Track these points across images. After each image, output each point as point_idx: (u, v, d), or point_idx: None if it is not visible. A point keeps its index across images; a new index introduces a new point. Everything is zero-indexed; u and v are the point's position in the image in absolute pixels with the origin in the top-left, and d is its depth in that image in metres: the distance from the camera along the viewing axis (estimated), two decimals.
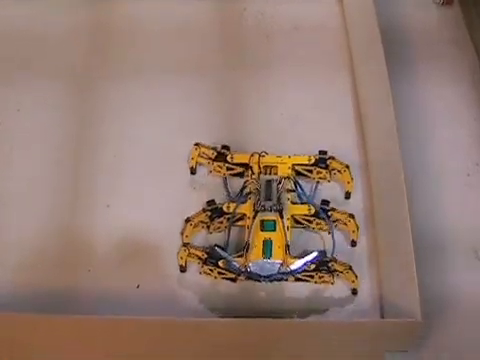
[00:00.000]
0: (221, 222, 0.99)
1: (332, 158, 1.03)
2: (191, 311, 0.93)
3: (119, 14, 1.27)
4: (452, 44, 1.24)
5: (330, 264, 0.94)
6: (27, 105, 1.15)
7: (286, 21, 1.27)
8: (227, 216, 0.99)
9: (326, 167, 1.03)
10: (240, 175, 1.04)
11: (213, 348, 0.87)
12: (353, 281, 0.94)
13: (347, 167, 1.02)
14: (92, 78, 1.19)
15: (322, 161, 1.03)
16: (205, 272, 0.96)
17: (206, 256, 0.95)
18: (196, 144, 1.05)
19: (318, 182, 1.04)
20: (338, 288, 0.95)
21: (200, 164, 1.06)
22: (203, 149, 1.05)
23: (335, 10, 1.28)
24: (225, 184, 1.04)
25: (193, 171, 1.06)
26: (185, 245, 0.96)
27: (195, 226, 0.98)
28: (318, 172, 1.04)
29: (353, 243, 0.99)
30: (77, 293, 0.95)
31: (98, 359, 0.88)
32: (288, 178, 1.01)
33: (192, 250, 0.96)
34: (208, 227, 0.99)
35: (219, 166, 1.04)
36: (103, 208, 1.04)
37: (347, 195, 1.03)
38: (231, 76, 1.19)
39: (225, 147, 1.05)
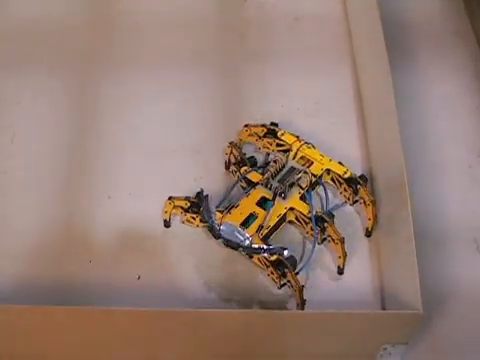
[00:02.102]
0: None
1: (364, 186, 0.99)
2: (191, 302, 0.93)
3: (119, 6, 1.26)
4: (454, 35, 1.24)
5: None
6: (27, 98, 1.14)
7: (287, 12, 1.26)
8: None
9: (355, 191, 1.00)
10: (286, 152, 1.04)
11: (214, 339, 0.87)
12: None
13: (373, 202, 0.98)
14: (92, 70, 1.18)
15: (353, 182, 1.00)
16: (187, 220, 0.98)
17: (189, 205, 0.97)
18: (246, 125, 1.07)
19: (345, 202, 1.02)
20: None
21: (248, 143, 1.07)
22: (253, 129, 1.06)
23: (336, 0, 1.28)
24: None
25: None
26: (170, 198, 0.98)
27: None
28: (345, 189, 1.01)
29: (339, 270, 0.95)
30: (78, 284, 0.95)
31: (98, 350, 0.88)
32: (311, 176, 0.99)
33: (177, 201, 0.98)
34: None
35: (269, 142, 1.05)
36: (104, 199, 1.04)
37: (367, 232, 0.99)
38: (232, 67, 1.19)
39: (274, 124, 1.06)
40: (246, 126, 1.06)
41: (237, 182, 1.01)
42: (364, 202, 0.99)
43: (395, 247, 0.95)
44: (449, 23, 1.25)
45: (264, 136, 1.05)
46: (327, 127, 1.11)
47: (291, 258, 0.92)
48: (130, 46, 1.21)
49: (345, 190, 1.01)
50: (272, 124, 1.06)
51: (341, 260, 0.95)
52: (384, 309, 0.93)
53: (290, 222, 0.99)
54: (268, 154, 1.05)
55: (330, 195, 1.02)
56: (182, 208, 0.99)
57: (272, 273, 0.93)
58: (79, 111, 1.14)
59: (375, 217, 0.98)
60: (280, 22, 1.25)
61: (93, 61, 1.19)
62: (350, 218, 1.01)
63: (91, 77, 1.17)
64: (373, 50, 1.12)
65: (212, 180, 1.04)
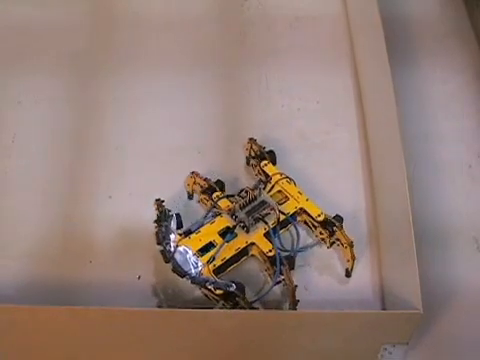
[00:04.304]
0: (206, 199, 0.99)
1: (339, 227, 0.94)
2: (191, 302, 0.93)
3: (120, 6, 1.26)
4: (454, 35, 1.24)
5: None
6: (28, 97, 1.14)
7: (287, 11, 1.26)
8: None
9: (331, 233, 0.95)
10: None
11: (214, 339, 0.87)
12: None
13: (350, 245, 0.93)
14: (93, 70, 1.18)
15: (330, 225, 0.95)
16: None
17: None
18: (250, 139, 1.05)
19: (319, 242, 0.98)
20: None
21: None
22: (254, 146, 1.04)
23: (337, 0, 1.28)
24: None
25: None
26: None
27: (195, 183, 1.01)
28: (320, 233, 0.96)
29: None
30: (78, 284, 0.95)
31: (99, 350, 0.88)
32: (279, 213, 0.95)
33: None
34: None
35: (254, 164, 1.03)
36: (105, 199, 1.04)
37: (347, 273, 0.95)
38: (233, 67, 1.19)
39: (271, 152, 1.03)
40: (250, 139, 1.05)
41: (211, 209, 0.98)
42: (342, 244, 0.95)
43: (395, 247, 0.95)
44: (449, 23, 1.25)
45: (253, 157, 1.04)
46: (328, 127, 1.11)
47: (239, 285, 0.89)
48: (131, 46, 1.22)
49: (321, 233, 0.96)
50: (270, 152, 1.03)
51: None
52: (384, 309, 0.92)
53: (253, 256, 0.96)
54: (260, 181, 1.01)
55: (303, 234, 0.98)
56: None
57: (213, 298, 0.90)
58: (80, 111, 1.14)
59: (353, 258, 0.94)
60: (281, 22, 1.25)
61: (95, 61, 1.19)
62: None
63: (92, 77, 1.17)
64: (373, 50, 1.12)
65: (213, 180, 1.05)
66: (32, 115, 1.13)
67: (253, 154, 1.04)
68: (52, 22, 1.24)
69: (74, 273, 0.96)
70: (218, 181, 1.01)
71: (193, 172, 1.02)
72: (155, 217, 0.97)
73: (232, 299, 0.88)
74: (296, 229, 0.98)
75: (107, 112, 1.13)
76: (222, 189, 1.00)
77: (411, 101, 1.13)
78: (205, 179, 1.00)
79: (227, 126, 1.11)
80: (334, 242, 0.96)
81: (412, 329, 0.86)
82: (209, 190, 0.99)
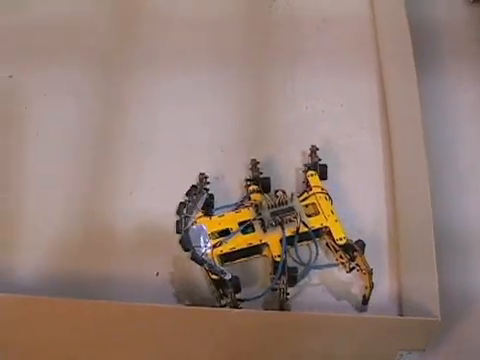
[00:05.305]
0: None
1: (360, 253, 0.92)
2: (209, 300, 0.93)
3: (146, 3, 1.27)
4: None
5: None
6: (54, 90, 1.15)
7: (314, 12, 1.26)
8: None
9: (351, 258, 0.93)
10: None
11: (231, 338, 0.87)
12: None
13: (370, 272, 0.91)
14: (119, 66, 1.19)
15: (350, 249, 0.93)
16: None
17: None
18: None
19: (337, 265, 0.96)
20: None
21: None
22: (313, 155, 1.04)
23: (364, 3, 1.27)
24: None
25: None
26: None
27: None
28: (341, 256, 0.95)
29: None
30: (97, 279, 0.96)
31: (115, 345, 0.89)
32: (300, 223, 0.93)
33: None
34: None
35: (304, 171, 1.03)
36: (126, 195, 1.04)
37: (364, 300, 0.92)
38: (258, 68, 1.19)
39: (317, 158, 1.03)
40: (312, 147, 1.04)
41: (246, 197, 0.99)
42: (361, 270, 0.93)
43: (415, 252, 0.94)
44: (476, 30, 1.24)
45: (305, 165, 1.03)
46: (351, 130, 1.10)
47: (234, 279, 0.89)
48: (157, 44, 1.22)
49: (341, 257, 0.95)
50: (322, 166, 1.02)
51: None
52: (401, 315, 0.92)
53: (265, 257, 0.96)
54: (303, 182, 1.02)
55: (321, 253, 0.97)
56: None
57: (214, 291, 0.91)
58: (105, 106, 1.14)
59: (372, 286, 0.91)
60: (307, 23, 1.25)
61: (121, 57, 1.20)
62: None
63: (118, 73, 1.18)
64: (400, 54, 1.11)
65: (234, 179, 1.05)
66: (57, 108, 1.13)
67: (308, 163, 1.03)
68: (79, 18, 1.25)
69: (94, 268, 0.97)
70: (266, 178, 1.01)
71: (254, 159, 1.03)
72: (174, 212, 0.98)
73: (224, 289, 0.89)
74: (316, 245, 0.95)
75: (131, 108, 1.14)
76: (266, 187, 1.00)
77: (436, 107, 1.12)
78: (259, 171, 1.01)
79: (251, 126, 1.11)
80: (353, 268, 0.94)
81: (429, 336, 0.86)
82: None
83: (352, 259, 0.93)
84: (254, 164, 1.03)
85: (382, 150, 1.08)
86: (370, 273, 0.91)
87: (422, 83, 1.05)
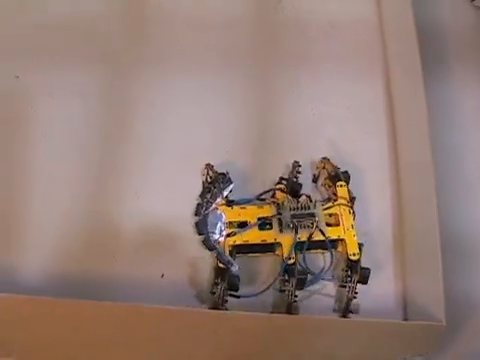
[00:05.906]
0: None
1: (356, 279, 0.92)
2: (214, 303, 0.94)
3: (153, 4, 1.26)
4: None
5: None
6: (60, 91, 1.15)
7: (320, 16, 1.26)
8: None
9: (349, 277, 0.93)
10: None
11: (235, 340, 0.87)
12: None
13: (351, 298, 0.92)
14: (125, 65, 1.19)
15: (354, 269, 0.93)
16: None
17: None
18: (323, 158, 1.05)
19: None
20: None
21: None
22: (327, 166, 1.03)
23: (371, 7, 1.27)
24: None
25: None
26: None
27: None
28: (345, 269, 0.95)
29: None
30: (101, 280, 0.96)
31: (119, 346, 0.89)
32: (316, 229, 0.94)
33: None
34: None
35: (329, 184, 1.02)
36: (132, 197, 1.04)
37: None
38: (264, 70, 1.18)
39: (346, 173, 1.02)
40: (324, 159, 1.04)
41: (270, 190, 1.00)
42: (349, 291, 0.93)
43: (420, 257, 0.94)
44: None
45: (326, 178, 1.03)
46: (357, 134, 1.10)
47: (233, 277, 0.90)
48: (163, 45, 1.21)
49: (345, 269, 0.95)
50: (345, 172, 1.02)
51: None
52: (406, 319, 0.92)
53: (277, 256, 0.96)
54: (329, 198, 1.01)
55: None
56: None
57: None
58: (110, 107, 1.14)
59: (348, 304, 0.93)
60: (314, 27, 1.24)
61: (127, 59, 1.20)
62: None
63: (124, 74, 1.18)
64: (407, 59, 1.11)
65: (238, 180, 1.04)
66: (63, 109, 1.13)
67: (327, 174, 1.03)
68: (84, 19, 1.24)
69: (98, 269, 0.97)
70: (297, 183, 1.00)
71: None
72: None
73: (221, 277, 0.90)
74: (332, 256, 0.95)
75: (137, 109, 1.14)
76: (294, 191, 0.99)
77: (443, 111, 1.12)
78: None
79: (256, 128, 1.11)
80: (344, 286, 0.93)
81: (433, 341, 0.86)
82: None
83: (350, 278, 0.93)
84: (294, 166, 1.03)
85: (388, 154, 1.08)
86: (351, 299, 0.92)
87: (428, 88, 1.05)
